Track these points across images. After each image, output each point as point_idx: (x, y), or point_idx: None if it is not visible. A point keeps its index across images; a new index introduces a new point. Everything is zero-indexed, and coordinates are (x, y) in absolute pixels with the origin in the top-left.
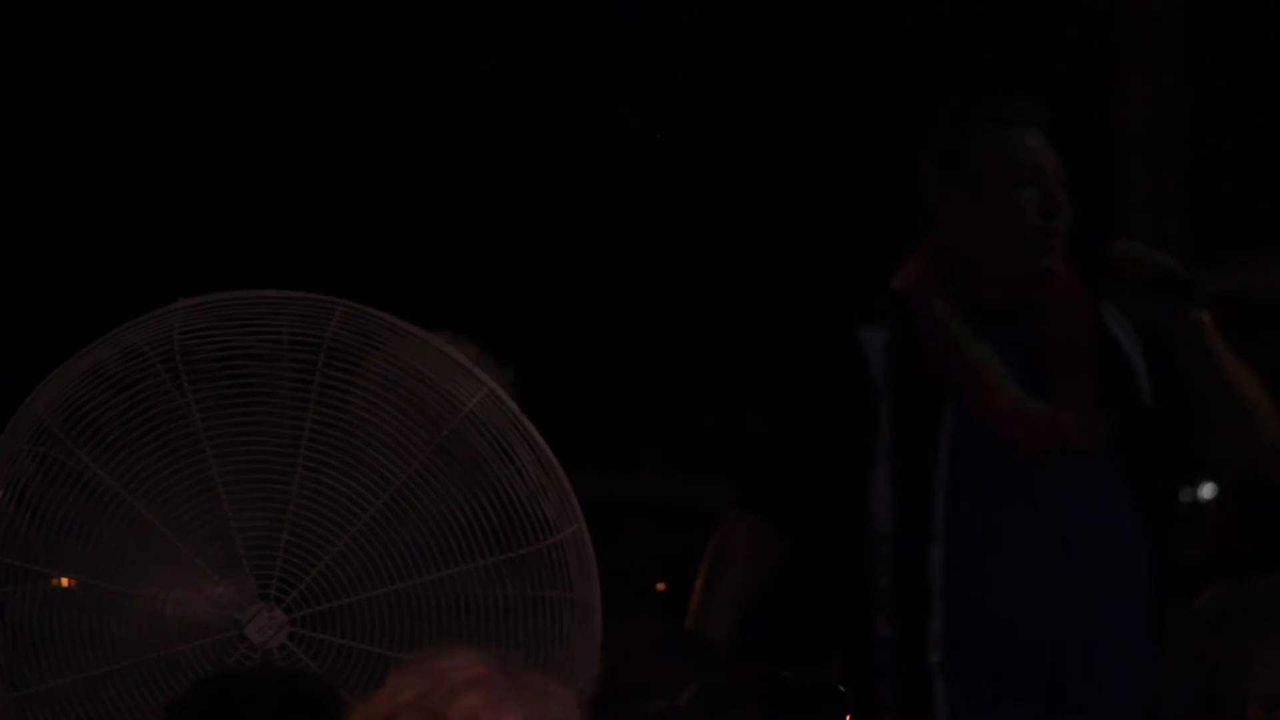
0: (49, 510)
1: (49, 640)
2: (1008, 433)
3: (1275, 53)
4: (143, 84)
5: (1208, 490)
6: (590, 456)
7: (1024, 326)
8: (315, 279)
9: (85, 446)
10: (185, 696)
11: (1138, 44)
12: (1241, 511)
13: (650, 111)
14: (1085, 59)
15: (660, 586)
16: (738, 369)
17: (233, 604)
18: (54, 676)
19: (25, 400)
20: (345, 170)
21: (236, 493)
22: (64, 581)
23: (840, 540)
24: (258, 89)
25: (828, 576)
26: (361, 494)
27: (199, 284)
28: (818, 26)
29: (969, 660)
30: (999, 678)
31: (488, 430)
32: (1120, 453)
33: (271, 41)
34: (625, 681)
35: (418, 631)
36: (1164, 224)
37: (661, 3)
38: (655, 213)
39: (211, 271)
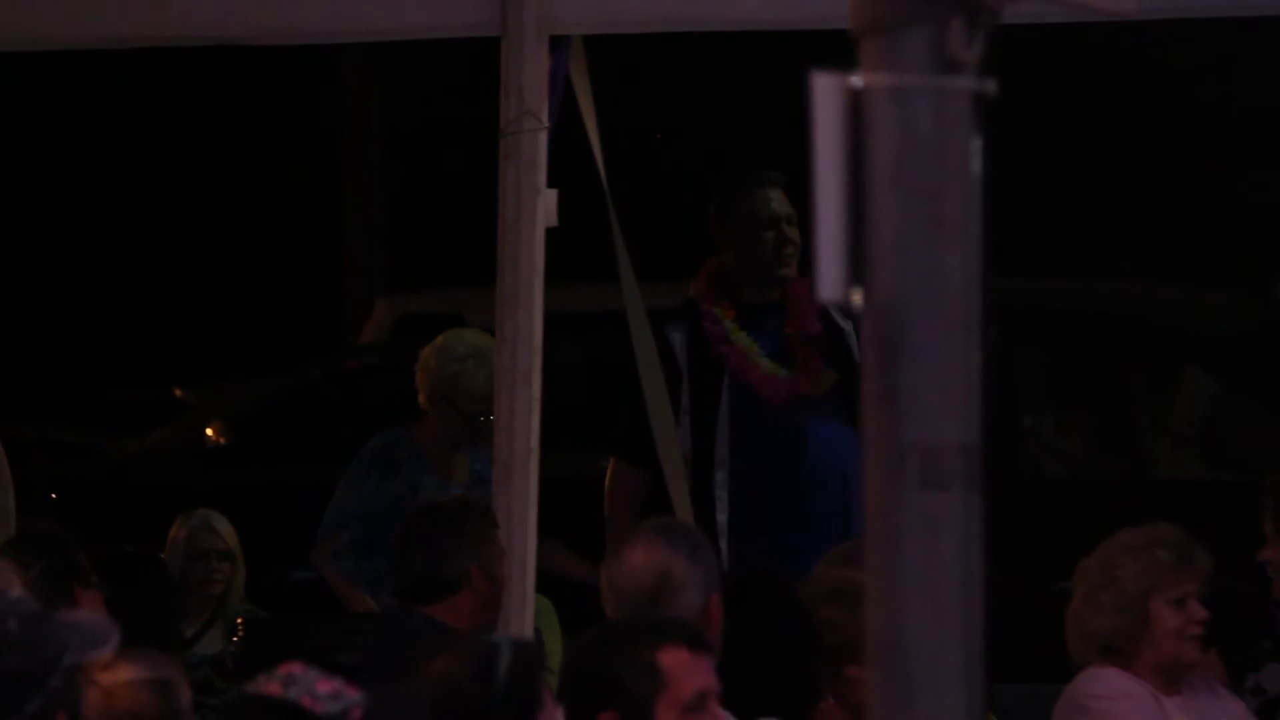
0: None
1: None
2: (763, 391)
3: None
4: None
5: None
6: None
7: (773, 320)
8: None
9: None
10: None
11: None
12: None
13: None
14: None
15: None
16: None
17: None
18: None
19: None
20: None
21: None
22: None
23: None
24: None
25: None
26: None
27: None
28: None
29: (742, 540)
30: (763, 550)
31: None
32: (843, 395)
33: None
34: None
35: None
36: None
37: None
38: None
39: None
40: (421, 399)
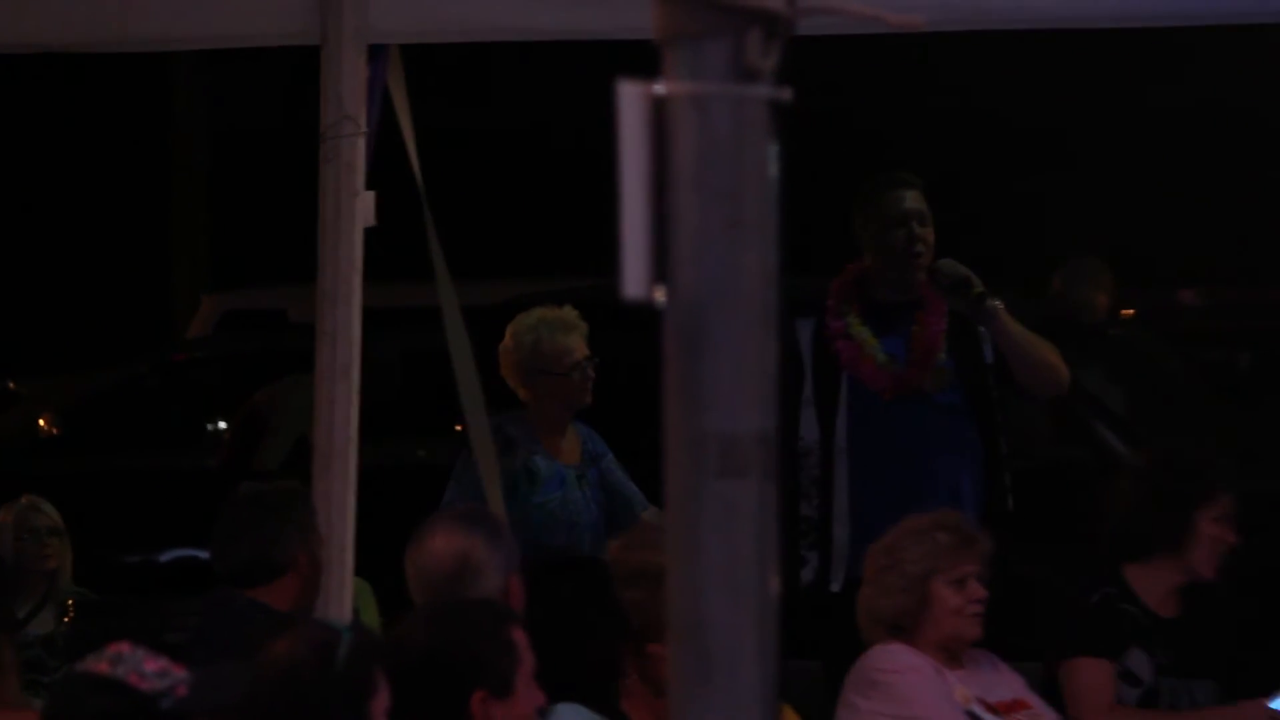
0: None
1: None
2: (870, 384)
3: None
4: None
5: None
6: None
7: (906, 320)
8: None
9: None
10: None
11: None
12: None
13: None
14: None
15: None
16: None
17: None
18: None
19: None
20: None
21: None
22: None
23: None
24: None
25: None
26: None
27: None
28: None
29: (861, 522)
30: (877, 531)
31: None
32: (965, 390)
33: None
34: None
35: None
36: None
37: None
38: None
39: None
40: (520, 391)
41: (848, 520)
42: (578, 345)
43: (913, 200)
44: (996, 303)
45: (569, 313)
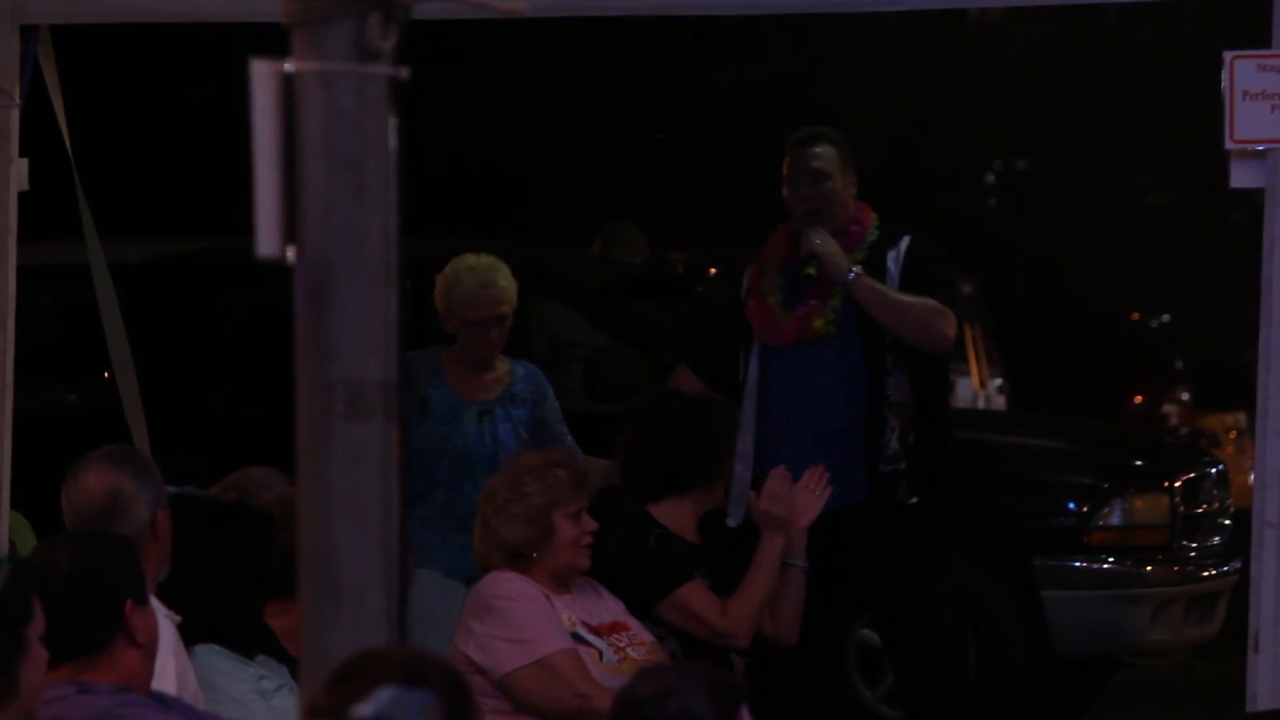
0: None
1: None
2: (759, 335)
3: None
4: None
5: None
6: None
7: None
8: None
9: None
10: None
11: None
12: None
13: None
14: None
15: None
16: None
17: None
18: None
19: None
20: None
21: None
22: None
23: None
24: None
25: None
26: None
27: None
28: None
29: (769, 453)
30: (778, 460)
31: None
32: (862, 336)
33: None
34: None
35: None
36: None
37: None
38: None
39: None
40: (446, 325)
41: (750, 460)
42: (490, 296)
43: (814, 158)
44: (856, 270)
45: (484, 262)
